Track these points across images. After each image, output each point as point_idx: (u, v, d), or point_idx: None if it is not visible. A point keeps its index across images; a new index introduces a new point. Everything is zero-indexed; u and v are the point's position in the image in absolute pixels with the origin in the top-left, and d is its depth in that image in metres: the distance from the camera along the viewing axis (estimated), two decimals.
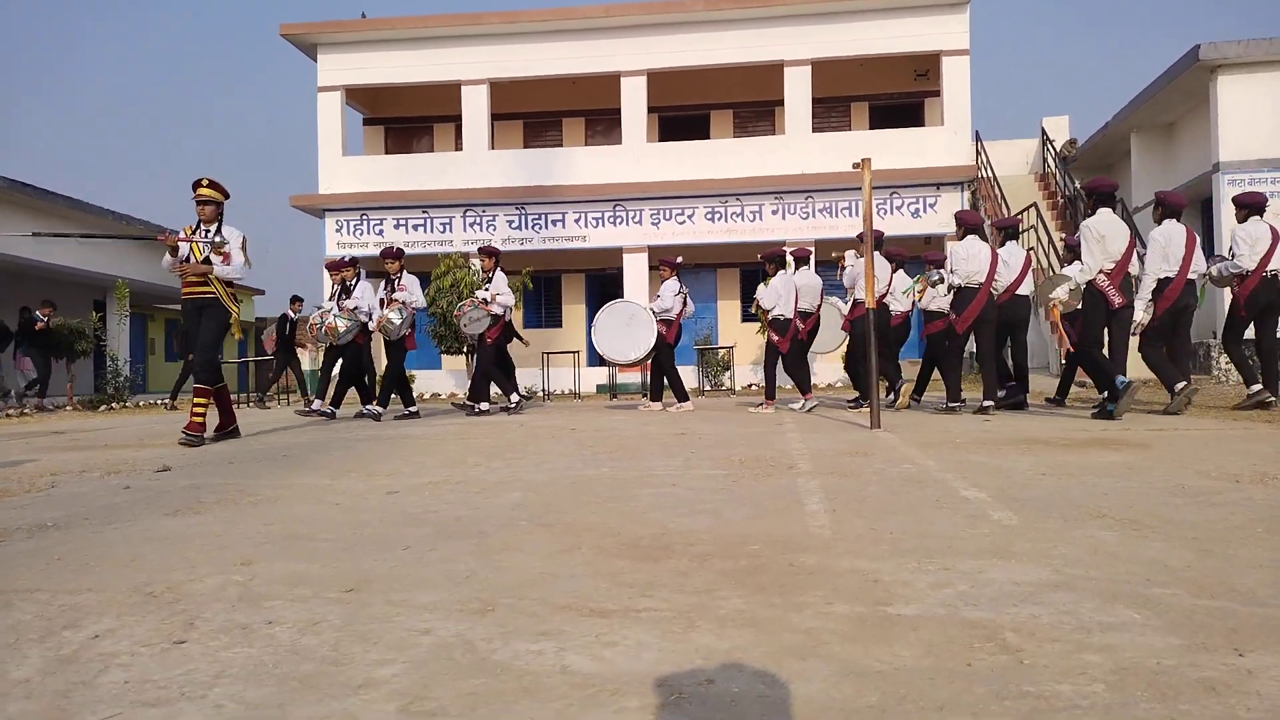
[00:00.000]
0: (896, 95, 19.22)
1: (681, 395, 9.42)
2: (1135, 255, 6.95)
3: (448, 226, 18.11)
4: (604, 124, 19.78)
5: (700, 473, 4.28)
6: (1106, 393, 6.61)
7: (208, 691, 1.55)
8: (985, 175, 16.84)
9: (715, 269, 19.32)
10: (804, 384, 9.01)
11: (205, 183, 6.68)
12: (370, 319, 9.46)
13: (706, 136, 19.24)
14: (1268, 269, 6.99)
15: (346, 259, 9.89)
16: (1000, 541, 2.60)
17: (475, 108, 18.06)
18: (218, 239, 6.58)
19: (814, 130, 17.57)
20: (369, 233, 17.93)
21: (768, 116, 19.48)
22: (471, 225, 18.08)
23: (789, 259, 9.19)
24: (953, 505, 3.21)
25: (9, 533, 3.15)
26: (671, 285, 9.43)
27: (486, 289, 9.56)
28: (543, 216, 18.01)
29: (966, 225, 7.82)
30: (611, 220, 17.96)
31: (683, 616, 1.95)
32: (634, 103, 17.79)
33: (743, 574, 2.30)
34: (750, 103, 19.45)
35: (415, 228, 18.04)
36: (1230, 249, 7.33)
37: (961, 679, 1.53)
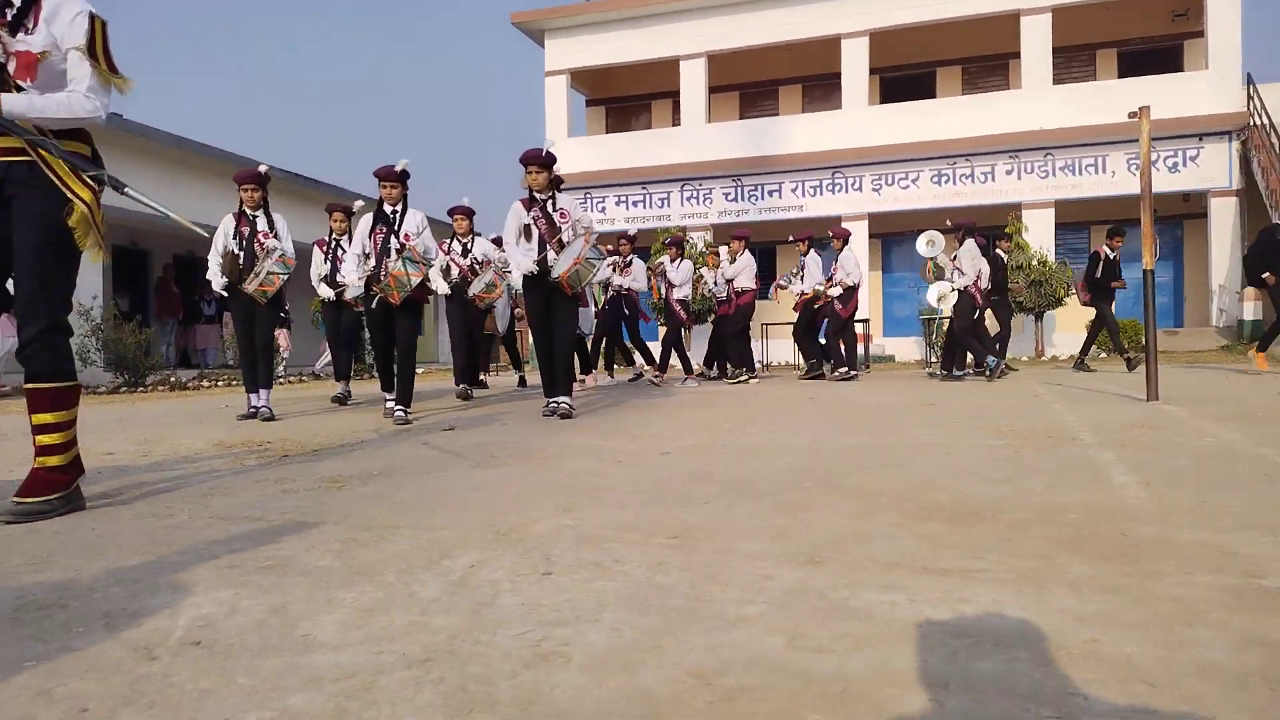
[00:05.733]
0: (1150, 39, 17.46)
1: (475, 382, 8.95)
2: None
3: (665, 202, 18.43)
4: (822, 89, 19.33)
5: (973, 442, 4.14)
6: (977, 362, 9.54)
7: (599, 617, 1.69)
8: (1258, 122, 14.98)
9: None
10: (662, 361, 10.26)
11: None
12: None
13: (932, 96, 18.35)
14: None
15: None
16: None
17: (693, 82, 18.20)
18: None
19: (1054, 82, 16.31)
20: (592, 210, 18.57)
21: (1000, 70, 18.28)
22: (689, 199, 18.30)
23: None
24: None
25: (346, 479, 3.56)
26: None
27: (479, 256, 8.15)
28: (759, 187, 17.93)
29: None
30: (830, 188, 17.59)
31: (1027, 580, 1.90)
32: (855, 65, 17.28)
33: (1074, 542, 2.22)
34: (980, 57, 18.33)
35: (635, 204, 18.50)
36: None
37: None
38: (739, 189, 18.00)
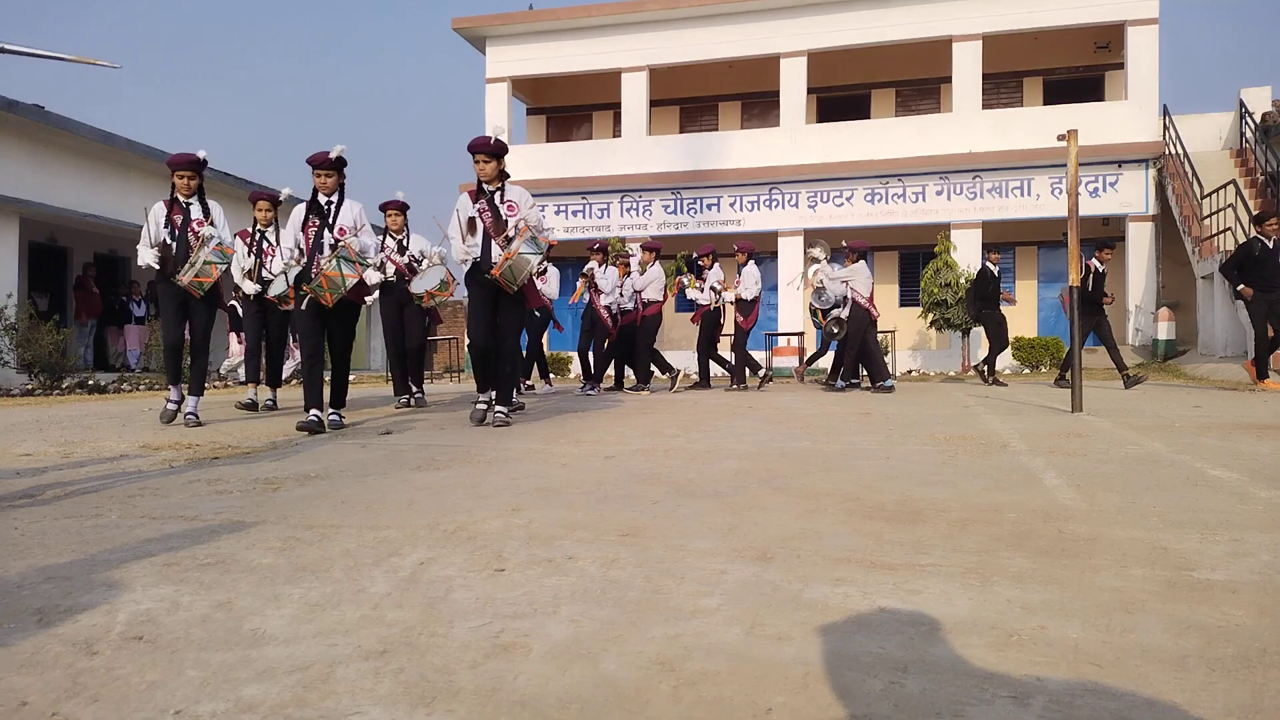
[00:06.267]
0: (1074, 69, 18.17)
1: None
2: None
3: (605, 212, 18.46)
4: (760, 107, 19.62)
5: (909, 448, 4.23)
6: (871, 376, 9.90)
7: (556, 610, 1.68)
8: (1173, 152, 15.71)
9: (872, 252, 18.87)
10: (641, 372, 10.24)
11: None
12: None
13: (867, 117, 18.79)
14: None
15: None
16: None
17: (634, 94, 18.29)
18: None
19: (983, 107, 16.85)
20: None
21: (932, 94, 18.82)
22: (628, 211, 18.35)
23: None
24: (1208, 484, 3.06)
25: (282, 481, 3.47)
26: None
27: (416, 253, 7.79)
28: (698, 201, 18.08)
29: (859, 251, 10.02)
30: (767, 204, 17.83)
31: (973, 573, 1.95)
32: (793, 84, 17.58)
33: (1014, 539, 2.28)
34: (914, 80, 18.84)
35: (574, 214, 18.48)
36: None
37: None
38: (678, 201, 18.13)
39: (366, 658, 1.41)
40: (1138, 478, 3.23)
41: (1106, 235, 17.19)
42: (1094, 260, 10.06)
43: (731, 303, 10.43)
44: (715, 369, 11.51)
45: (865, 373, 10.22)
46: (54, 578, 1.93)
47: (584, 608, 1.69)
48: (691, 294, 10.54)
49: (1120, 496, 2.85)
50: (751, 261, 10.58)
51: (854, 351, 9.95)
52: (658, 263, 10.33)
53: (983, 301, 10.97)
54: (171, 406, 6.00)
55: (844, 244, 10.38)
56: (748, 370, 10.79)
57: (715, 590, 1.81)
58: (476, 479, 3.41)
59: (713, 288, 10.35)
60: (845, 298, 9.95)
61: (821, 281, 10.06)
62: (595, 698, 1.25)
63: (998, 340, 10.95)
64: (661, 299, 10.37)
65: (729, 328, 10.95)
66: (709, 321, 10.60)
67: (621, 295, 10.26)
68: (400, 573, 1.99)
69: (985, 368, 10.92)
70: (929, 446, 4.27)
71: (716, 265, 10.60)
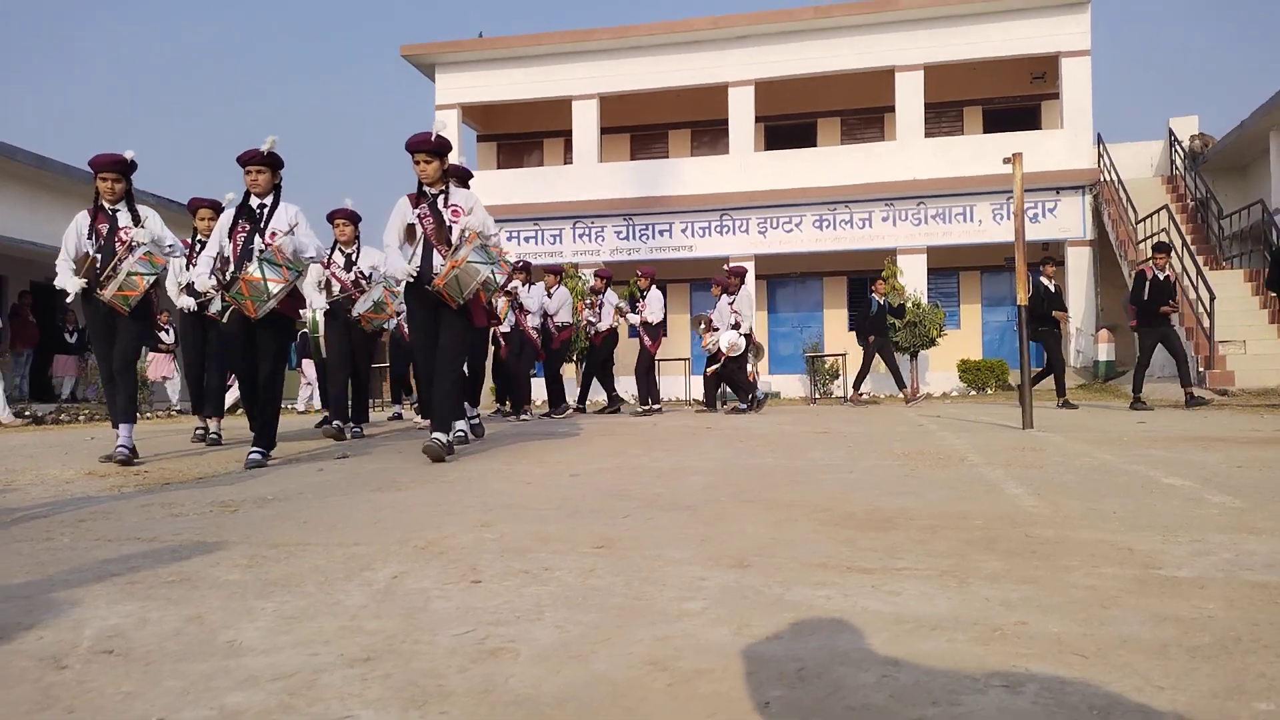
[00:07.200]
0: (1012, 99, 18.75)
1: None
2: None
3: (558, 238, 18.47)
4: (710, 135, 19.88)
5: (871, 463, 4.28)
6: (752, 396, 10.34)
7: (540, 616, 1.66)
8: (1108, 179, 16.27)
9: (822, 277, 19.18)
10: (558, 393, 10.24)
11: None
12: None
13: (814, 144, 19.15)
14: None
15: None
16: (1238, 520, 2.55)
17: (585, 122, 18.40)
18: None
19: (926, 136, 17.29)
20: None
21: (876, 123, 19.25)
22: (580, 237, 18.39)
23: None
24: (1163, 492, 3.14)
25: (239, 504, 3.38)
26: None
27: (366, 269, 7.07)
28: (650, 227, 18.19)
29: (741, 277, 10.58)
30: (718, 230, 18.01)
31: (949, 575, 1.98)
32: (741, 112, 17.84)
33: (984, 543, 2.32)
34: (859, 109, 19.27)
35: (527, 240, 18.46)
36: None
37: None
38: (630, 228, 18.23)
39: (351, 664, 1.37)
40: (1095, 486, 3.31)
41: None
42: (1149, 266, 9.13)
43: (639, 324, 10.44)
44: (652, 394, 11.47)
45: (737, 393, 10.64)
46: (11, 597, 1.85)
47: (568, 613, 1.67)
48: (608, 319, 10.63)
49: (1081, 503, 2.91)
50: (654, 286, 10.69)
51: (742, 373, 10.48)
52: (562, 285, 10.45)
53: (1038, 320, 9.74)
54: (123, 449, 5.03)
55: (724, 267, 10.76)
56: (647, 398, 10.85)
57: (698, 595, 1.81)
58: (441, 497, 3.36)
59: (618, 307, 10.51)
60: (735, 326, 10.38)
61: (726, 343, 10.29)
62: (591, 696, 1.23)
63: (1059, 360, 10.05)
64: (572, 322, 10.52)
65: (627, 354, 11.03)
66: (609, 344, 10.74)
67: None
68: (375, 585, 1.94)
69: (1056, 390, 9.98)
70: (890, 461, 4.32)
71: (610, 289, 10.78)
